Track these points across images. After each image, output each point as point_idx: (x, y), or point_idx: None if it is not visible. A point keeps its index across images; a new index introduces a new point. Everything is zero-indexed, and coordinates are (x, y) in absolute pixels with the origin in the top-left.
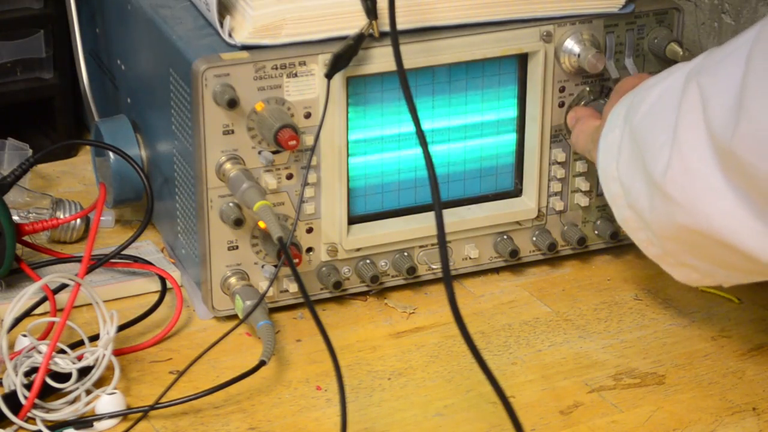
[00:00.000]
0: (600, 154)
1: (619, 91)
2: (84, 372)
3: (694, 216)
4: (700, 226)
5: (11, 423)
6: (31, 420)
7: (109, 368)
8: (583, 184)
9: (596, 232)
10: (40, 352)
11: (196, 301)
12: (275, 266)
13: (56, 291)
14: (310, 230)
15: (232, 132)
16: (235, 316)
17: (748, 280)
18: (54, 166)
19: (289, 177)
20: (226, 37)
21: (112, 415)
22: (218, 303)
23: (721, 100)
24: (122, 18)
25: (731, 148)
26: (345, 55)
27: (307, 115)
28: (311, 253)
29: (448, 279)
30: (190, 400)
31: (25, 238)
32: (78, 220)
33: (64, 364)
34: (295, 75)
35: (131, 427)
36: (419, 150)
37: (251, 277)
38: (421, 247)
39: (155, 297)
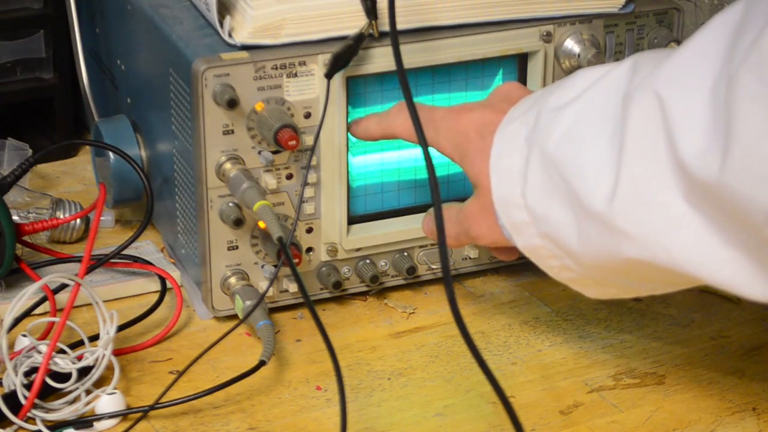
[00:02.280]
0: (494, 181)
1: (482, 109)
2: (84, 372)
3: (647, 248)
4: (653, 258)
5: (11, 423)
6: (31, 420)
7: (109, 368)
8: None
9: None
10: (40, 352)
11: (196, 301)
12: (275, 266)
13: (56, 291)
14: (310, 230)
15: (232, 132)
16: (235, 316)
17: (668, 291)
18: (54, 166)
19: (289, 177)
20: (226, 37)
21: (112, 415)
22: (218, 303)
23: (695, 122)
24: (122, 18)
25: (719, 181)
26: (345, 55)
27: (307, 115)
28: (311, 253)
29: (448, 279)
30: (190, 400)
31: (25, 238)
32: (78, 220)
33: (64, 364)
34: (295, 75)
35: (131, 427)
36: (419, 150)
37: (251, 277)
38: (421, 247)
39: (155, 297)
